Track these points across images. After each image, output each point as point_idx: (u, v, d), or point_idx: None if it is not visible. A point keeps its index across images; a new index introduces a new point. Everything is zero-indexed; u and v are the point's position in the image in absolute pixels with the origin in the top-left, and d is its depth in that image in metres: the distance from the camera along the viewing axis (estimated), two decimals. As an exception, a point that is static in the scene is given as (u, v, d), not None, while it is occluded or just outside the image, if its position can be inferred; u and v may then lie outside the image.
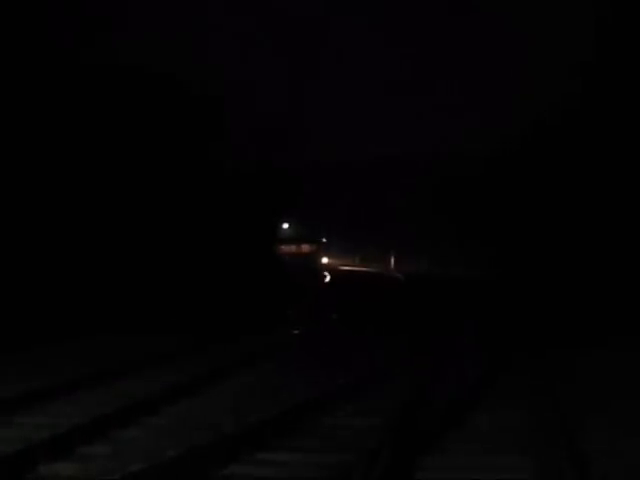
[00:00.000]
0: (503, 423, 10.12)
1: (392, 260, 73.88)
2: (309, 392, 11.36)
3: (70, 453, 8.55)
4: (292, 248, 66.91)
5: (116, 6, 26.33)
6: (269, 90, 38.37)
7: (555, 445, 8.43)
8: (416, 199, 71.13)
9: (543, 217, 37.56)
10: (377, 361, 15.17)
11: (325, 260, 72.83)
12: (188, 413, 10.58)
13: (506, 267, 40.88)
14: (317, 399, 10.85)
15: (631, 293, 25.76)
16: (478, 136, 47.24)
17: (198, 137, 30.74)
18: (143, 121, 26.84)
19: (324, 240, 73.52)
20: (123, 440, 9.17)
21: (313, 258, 67.76)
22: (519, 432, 9.55)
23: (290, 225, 66.24)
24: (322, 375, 13.47)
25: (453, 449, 8.79)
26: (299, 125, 44.78)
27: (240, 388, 12.62)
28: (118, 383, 12.62)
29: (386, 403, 11.00)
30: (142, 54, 26.31)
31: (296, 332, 19.46)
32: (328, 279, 56.36)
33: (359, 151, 70.75)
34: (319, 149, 54.52)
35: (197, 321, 21.17)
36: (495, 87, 43.70)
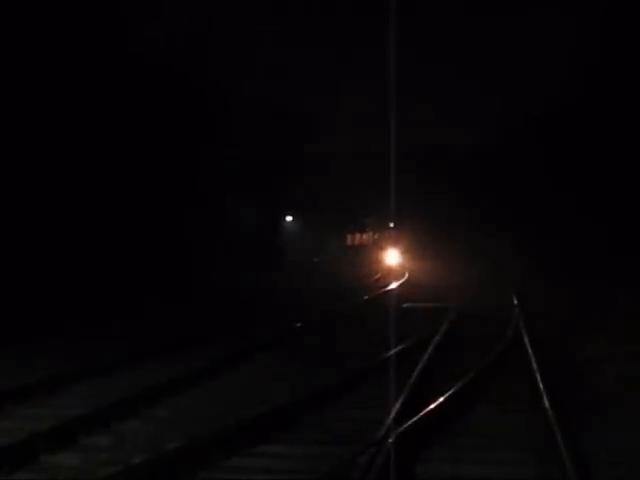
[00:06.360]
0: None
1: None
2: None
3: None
4: None
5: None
6: (277, 81, 38.56)
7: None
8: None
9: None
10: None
11: (395, 257, 43.92)
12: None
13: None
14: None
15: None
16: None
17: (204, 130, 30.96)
18: (150, 115, 27.05)
19: (391, 225, 45.26)
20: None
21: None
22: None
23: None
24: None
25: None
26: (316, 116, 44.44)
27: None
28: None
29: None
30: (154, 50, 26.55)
31: (298, 325, 19.32)
32: None
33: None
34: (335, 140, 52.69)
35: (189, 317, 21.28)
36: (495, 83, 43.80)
